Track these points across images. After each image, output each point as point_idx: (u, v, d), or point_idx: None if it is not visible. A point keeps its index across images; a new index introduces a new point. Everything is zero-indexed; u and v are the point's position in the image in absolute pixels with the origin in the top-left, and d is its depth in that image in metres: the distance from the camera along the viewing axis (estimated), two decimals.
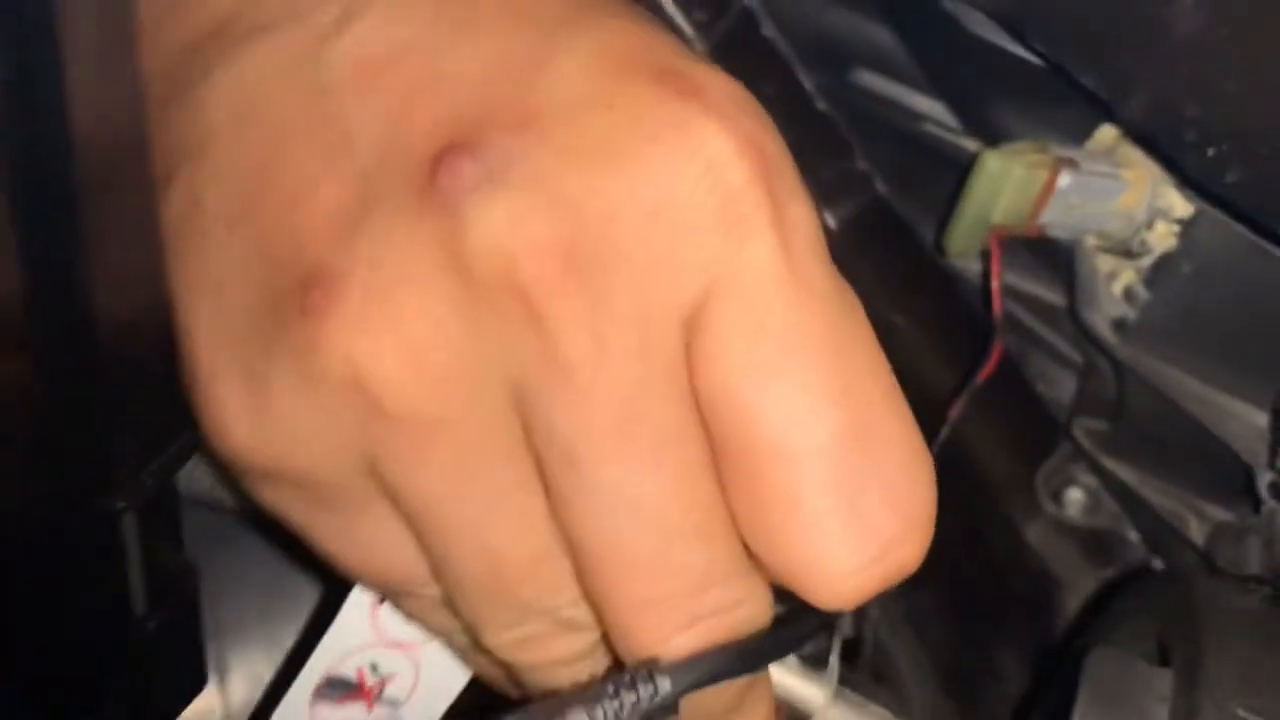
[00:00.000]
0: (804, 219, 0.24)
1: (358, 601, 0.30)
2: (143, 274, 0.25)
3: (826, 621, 0.25)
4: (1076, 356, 0.44)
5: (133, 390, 0.25)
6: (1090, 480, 0.44)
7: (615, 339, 0.23)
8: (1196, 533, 0.40)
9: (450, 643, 0.29)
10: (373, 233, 0.24)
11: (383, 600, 0.29)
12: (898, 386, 0.25)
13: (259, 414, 0.25)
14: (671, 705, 0.24)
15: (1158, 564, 0.43)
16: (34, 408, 0.23)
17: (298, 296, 0.24)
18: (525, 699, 0.26)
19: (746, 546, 0.25)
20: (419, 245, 0.23)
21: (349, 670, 0.31)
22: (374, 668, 0.31)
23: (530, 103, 0.24)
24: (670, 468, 0.24)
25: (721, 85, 0.24)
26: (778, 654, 0.25)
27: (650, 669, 0.24)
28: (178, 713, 0.30)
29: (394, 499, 0.25)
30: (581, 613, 0.26)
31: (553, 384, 0.23)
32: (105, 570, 0.26)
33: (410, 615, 0.29)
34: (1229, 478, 0.38)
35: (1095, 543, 0.44)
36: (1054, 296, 0.43)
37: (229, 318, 0.25)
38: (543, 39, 0.24)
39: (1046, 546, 0.44)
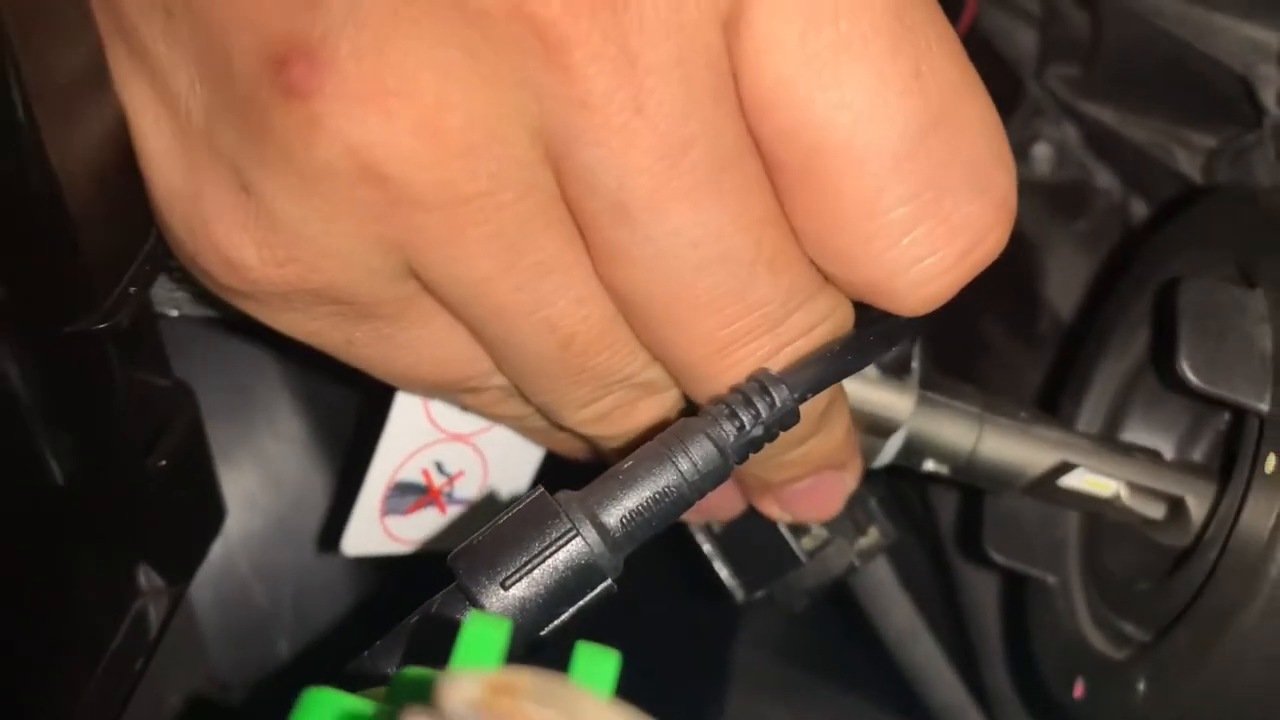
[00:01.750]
0: None
1: (407, 399, 0.27)
2: (79, 85, 0.20)
3: (914, 321, 0.23)
4: (1034, 7, 0.41)
5: (85, 211, 0.21)
6: (1055, 132, 0.43)
7: (649, 57, 0.19)
8: (1186, 163, 0.39)
9: (522, 428, 0.26)
10: None
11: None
12: (964, 51, 0.21)
13: (266, 230, 0.21)
14: (794, 413, 0.22)
15: (1138, 205, 0.42)
16: None
17: (272, 79, 0.19)
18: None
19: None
20: None
21: (414, 474, 0.28)
22: (439, 467, 0.28)
23: None
24: (731, 195, 0.21)
25: None
26: (880, 349, 0.23)
27: (763, 380, 0.22)
28: (205, 551, 0.27)
29: (438, 293, 0.22)
30: (658, 373, 0.23)
31: (586, 125, 0.20)
32: (99, 402, 0.23)
33: (474, 411, 0.26)
34: (1216, 100, 0.37)
35: (1064, 196, 0.43)
36: None
37: (197, 129, 0.20)
38: None
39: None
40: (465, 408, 0.26)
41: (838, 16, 0.20)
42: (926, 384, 0.28)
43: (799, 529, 0.29)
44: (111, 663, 0.25)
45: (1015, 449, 0.28)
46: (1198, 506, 0.28)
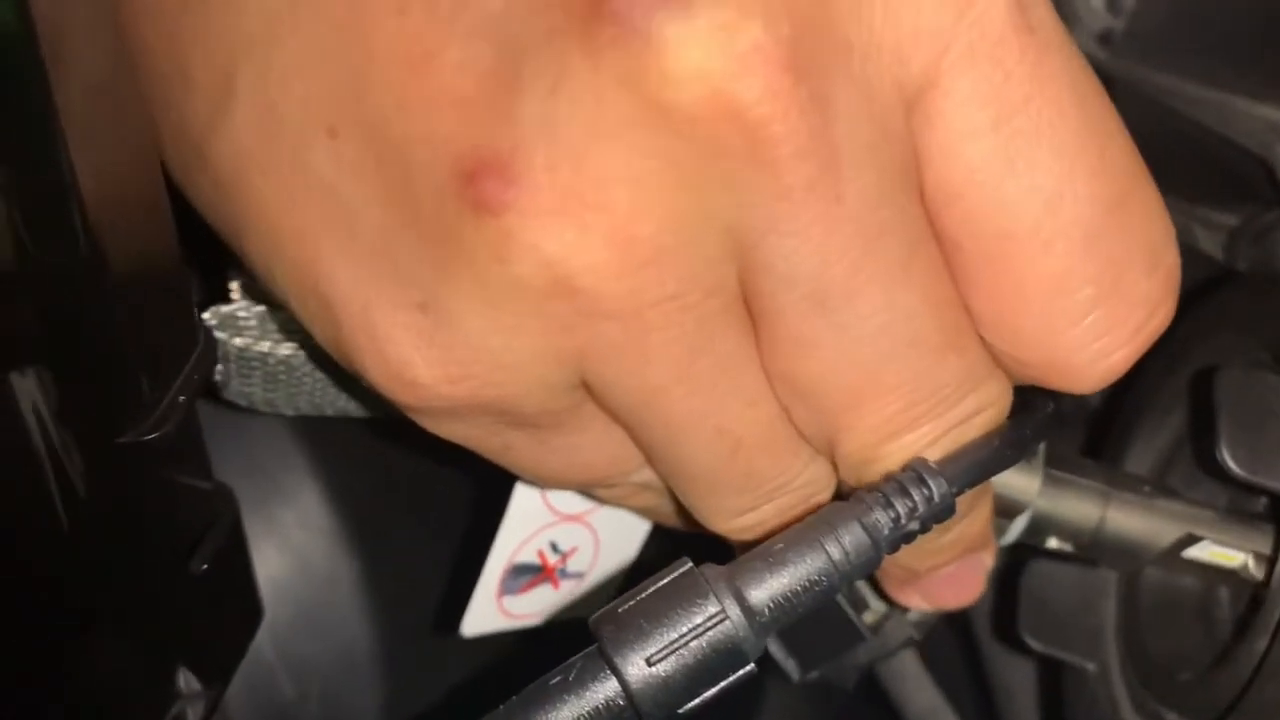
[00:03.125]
0: None
1: (527, 488, 0.27)
2: (143, 185, 0.20)
3: (1057, 404, 0.23)
4: None
5: (136, 322, 0.21)
6: None
7: (847, 147, 0.19)
8: (1207, 242, 0.39)
9: (651, 515, 0.26)
10: (535, 93, 0.18)
11: None
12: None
13: (444, 346, 0.20)
14: (950, 508, 0.22)
15: None
16: (42, 347, 0.19)
17: (460, 193, 0.19)
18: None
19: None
20: (602, 94, 0.18)
21: (530, 556, 0.28)
22: (553, 546, 0.28)
23: None
24: (920, 278, 0.21)
25: None
26: (1034, 443, 0.23)
27: (921, 472, 0.22)
28: (242, 653, 0.27)
29: (607, 402, 0.22)
30: (816, 473, 0.23)
31: (785, 218, 0.19)
32: (145, 508, 0.23)
33: (605, 501, 0.26)
34: (1235, 180, 0.37)
35: None
36: None
37: (370, 242, 0.20)
38: None
39: None
40: (595, 498, 0.26)
41: (1028, 101, 0.20)
42: (1050, 459, 0.28)
43: (860, 603, 0.28)
44: None
45: (1141, 524, 0.28)
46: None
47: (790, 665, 0.29)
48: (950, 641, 0.42)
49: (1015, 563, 0.33)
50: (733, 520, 0.23)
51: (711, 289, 0.20)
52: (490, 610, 0.29)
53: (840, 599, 0.28)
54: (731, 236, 0.20)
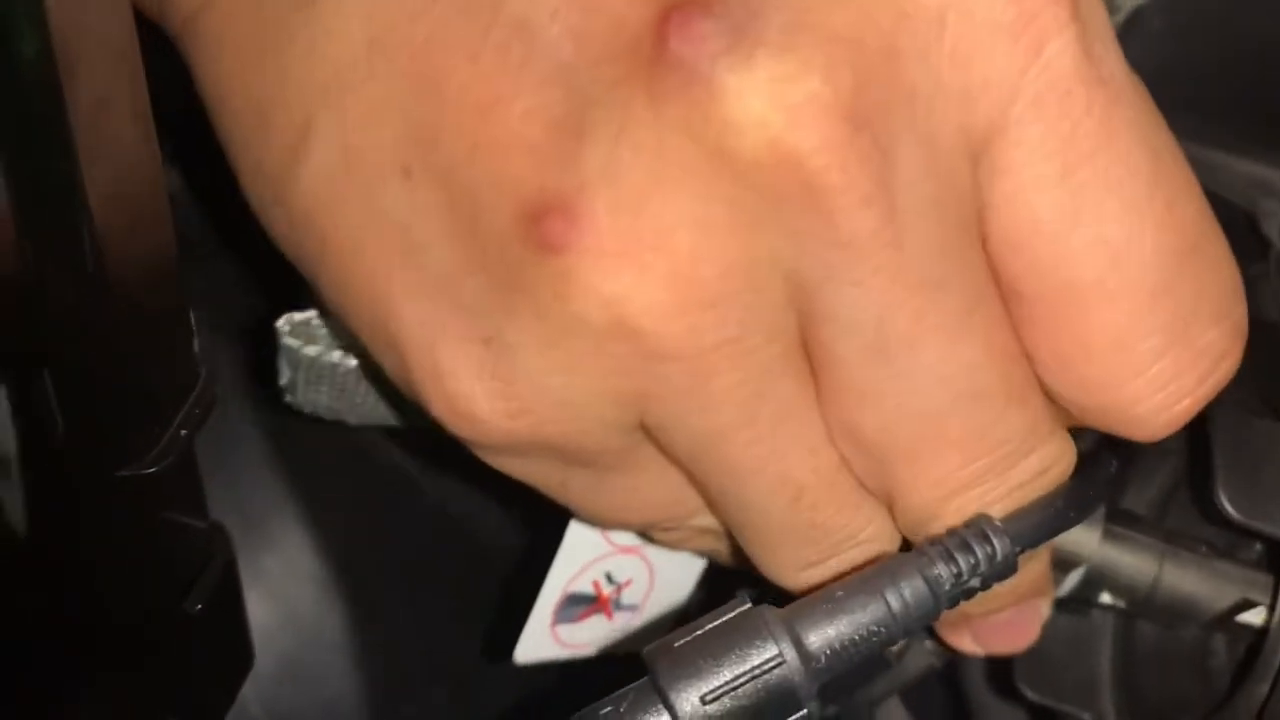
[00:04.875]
0: (1095, 3, 0.20)
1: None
2: (148, 224, 0.20)
3: (1117, 459, 0.24)
4: None
5: (141, 353, 0.21)
6: None
7: (909, 196, 0.19)
8: None
9: (710, 555, 0.26)
10: (600, 139, 0.19)
11: None
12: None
13: (503, 383, 0.21)
14: (1012, 566, 0.22)
15: None
16: (45, 377, 0.19)
17: (525, 233, 0.19)
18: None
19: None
20: (664, 140, 0.19)
21: (585, 585, 0.28)
22: (608, 577, 0.29)
23: None
24: (981, 327, 0.21)
25: None
26: (1097, 504, 0.23)
27: (986, 529, 0.21)
28: (232, 699, 0.27)
29: (667, 445, 0.22)
30: (879, 527, 0.23)
31: (846, 266, 0.19)
32: (142, 544, 0.23)
33: (664, 544, 0.26)
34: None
35: None
36: None
37: (437, 279, 0.21)
38: None
39: None
40: (654, 540, 0.26)
41: (1096, 153, 0.20)
42: (1109, 514, 0.28)
43: None
44: None
45: (1197, 584, 0.28)
46: None
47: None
48: (939, 690, 0.42)
49: None
50: (799, 574, 0.23)
51: (772, 334, 0.20)
52: (544, 637, 0.29)
53: None
54: (792, 283, 0.20)
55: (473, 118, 0.20)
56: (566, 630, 0.29)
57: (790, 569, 0.23)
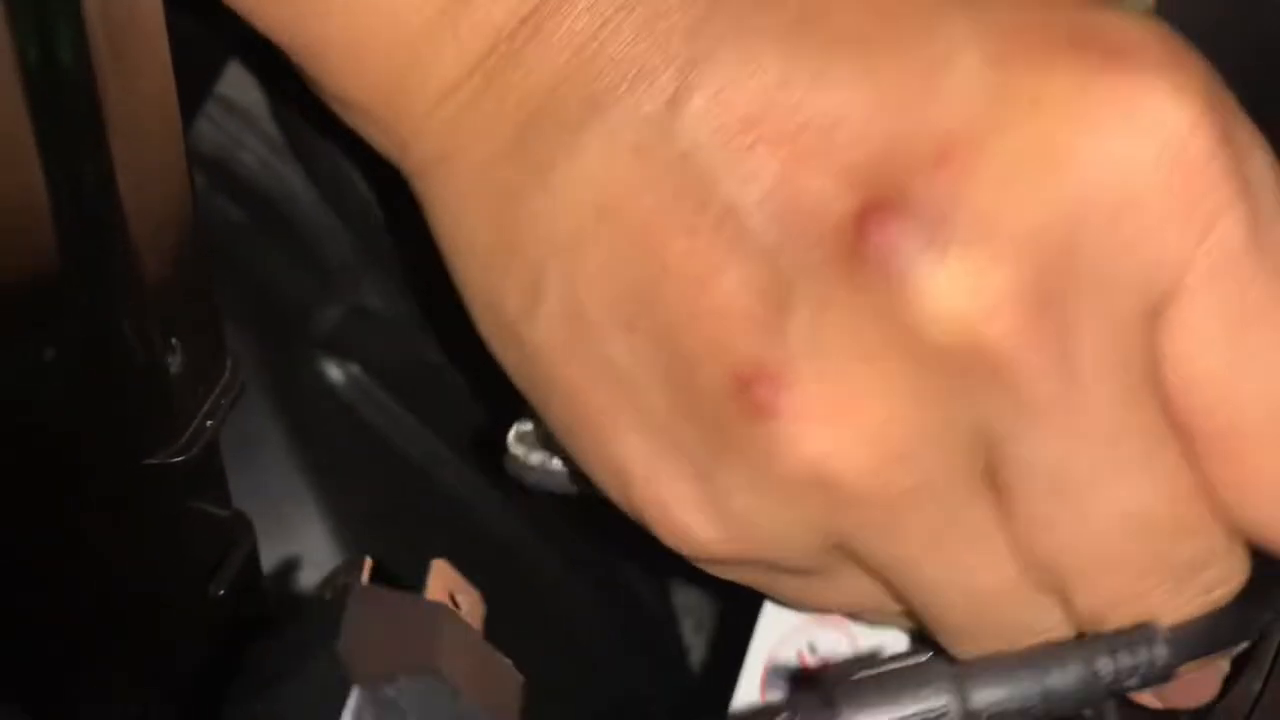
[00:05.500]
0: (1262, 170, 0.22)
1: None
2: (176, 218, 0.21)
3: None
4: None
5: (171, 344, 0.22)
6: None
7: (1089, 366, 0.21)
8: None
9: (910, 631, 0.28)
10: (803, 314, 0.21)
11: None
12: None
13: (718, 514, 0.23)
14: (1170, 675, 0.23)
15: None
16: (77, 365, 0.20)
17: (736, 396, 0.22)
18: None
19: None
20: (862, 321, 0.21)
21: (789, 655, 0.30)
22: (811, 648, 0.30)
23: (939, 128, 0.21)
24: (1158, 470, 0.22)
25: (1149, 36, 0.21)
26: (1260, 623, 0.25)
27: (1150, 635, 0.23)
28: None
29: (862, 564, 0.24)
30: (1056, 619, 0.24)
31: (1028, 425, 0.22)
32: (165, 529, 0.24)
33: (867, 623, 0.28)
34: None
35: None
36: None
37: (655, 420, 0.23)
38: (921, 38, 0.21)
39: None
40: (858, 620, 0.28)
41: (1262, 317, 0.22)
42: None
43: None
44: None
45: None
46: None
47: None
48: None
49: None
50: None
51: (957, 478, 0.22)
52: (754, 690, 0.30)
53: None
54: (978, 436, 0.22)
55: (690, 285, 0.22)
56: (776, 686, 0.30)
57: (973, 653, 0.25)
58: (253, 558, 0.26)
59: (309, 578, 0.40)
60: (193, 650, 0.25)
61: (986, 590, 0.24)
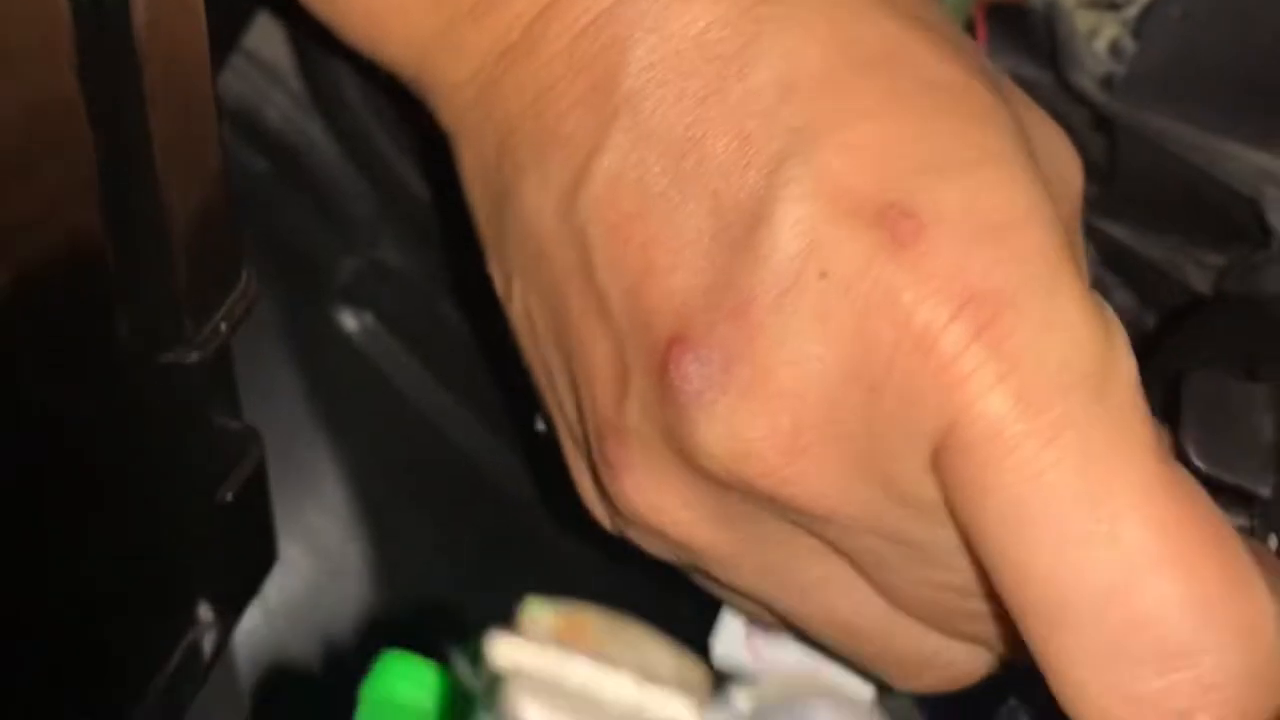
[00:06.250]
0: (1048, 349, 0.22)
1: None
2: (200, 134, 0.22)
3: None
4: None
5: (192, 242, 0.23)
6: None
7: (848, 504, 0.23)
8: (1198, 280, 0.40)
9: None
10: (633, 398, 0.24)
11: None
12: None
13: (611, 512, 0.27)
14: None
15: (1152, 319, 0.44)
16: (100, 263, 0.21)
17: (598, 443, 0.25)
18: None
19: None
20: (664, 428, 0.24)
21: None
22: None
23: (744, 282, 0.22)
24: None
25: (959, 204, 0.22)
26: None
27: None
28: (255, 589, 0.29)
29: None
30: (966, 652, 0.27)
31: (819, 527, 0.24)
32: (177, 429, 0.24)
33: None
34: (1227, 222, 0.39)
35: None
36: (1032, 71, 0.43)
37: (571, 423, 0.27)
38: (764, 179, 0.22)
39: None
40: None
41: (1042, 473, 0.22)
42: None
43: None
44: (162, 692, 0.26)
45: None
46: None
47: None
48: None
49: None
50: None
51: (782, 536, 0.25)
52: (738, 641, 0.31)
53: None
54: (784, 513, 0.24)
55: (580, 342, 0.25)
56: (763, 643, 0.31)
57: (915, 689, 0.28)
58: (260, 471, 0.27)
59: (318, 519, 0.41)
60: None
61: (856, 625, 0.25)
